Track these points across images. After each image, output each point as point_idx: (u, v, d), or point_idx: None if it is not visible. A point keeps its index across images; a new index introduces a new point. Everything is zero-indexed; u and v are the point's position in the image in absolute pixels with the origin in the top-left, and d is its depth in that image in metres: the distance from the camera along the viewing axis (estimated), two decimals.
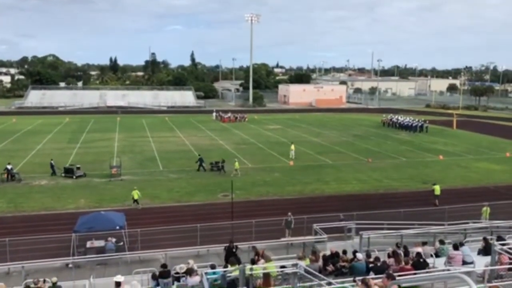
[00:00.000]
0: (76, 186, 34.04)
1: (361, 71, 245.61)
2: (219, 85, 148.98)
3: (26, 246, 20.84)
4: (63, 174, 36.75)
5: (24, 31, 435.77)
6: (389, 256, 15.21)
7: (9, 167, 35.71)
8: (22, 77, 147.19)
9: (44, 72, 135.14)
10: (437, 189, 30.78)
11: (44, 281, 14.46)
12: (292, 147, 46.41)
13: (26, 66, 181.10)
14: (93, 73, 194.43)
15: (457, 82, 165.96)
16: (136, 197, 29.46)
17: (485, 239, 16.70)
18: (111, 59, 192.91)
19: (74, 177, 36.38)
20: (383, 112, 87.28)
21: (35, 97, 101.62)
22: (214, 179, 36.54)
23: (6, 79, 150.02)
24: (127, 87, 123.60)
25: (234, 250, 18.21)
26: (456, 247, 15.18)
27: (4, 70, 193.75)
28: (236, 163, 38.53)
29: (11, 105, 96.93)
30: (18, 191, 32.72)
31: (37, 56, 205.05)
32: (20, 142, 53.66)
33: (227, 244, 19.21)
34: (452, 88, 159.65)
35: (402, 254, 15.25)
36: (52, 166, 37.42)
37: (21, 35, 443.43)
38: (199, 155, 41.17)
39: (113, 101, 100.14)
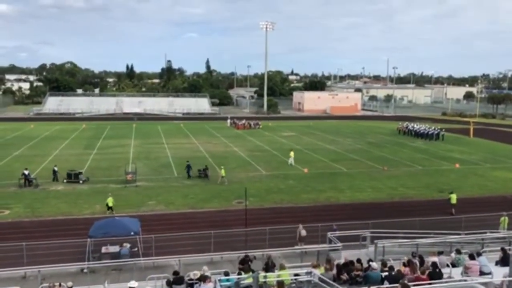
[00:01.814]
0: (91, 192, 34.38)
1: (377, 78, 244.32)
2: (234, 92, 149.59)
3: (42, 250, 21.09)
4: (65, 180, 37.10)
5: (43, 38, 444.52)
6: (404, 265, 15.03)
7: (26, 172, 36.21)
8: (40, 84, 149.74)
9: (62, 79, 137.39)
10: (454, 197, 30.38)
11: (60, 286, 14.60)
12: (291, 154, 46.43)
13: (44, 73, 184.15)
14: (109, 80, 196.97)
15: (474, 89, 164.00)
16: (110, 204, 29.31)
17: (503, 250, 16.41)
18: (127, 66, 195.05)
19: (81, 181, 36.83)
20: (398, 119, 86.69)
21: (53, 104, 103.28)
22: (228, 186, 36.57)
23: (25, 85, 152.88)
24: (143, 94, 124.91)
25: (250, 262, 18.06)
26: (473, 257, 14.94)
27: (23, 77, 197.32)
28: (223, 170, 38.39)
29: (30, 112, 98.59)
30: (35, 196, 33.16)
31: (56, 63, 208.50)
32: (37, 148, 54.46)
33: (243, 257, 18.91)
34: (469, 96, 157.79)
35: (418, 263, 15.05)
36: (54, 172, 37.83)
37: (40, 42, 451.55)
38: (187, 161, 41.10)
39: (129, 108, 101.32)
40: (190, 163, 40.07)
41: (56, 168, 38.23)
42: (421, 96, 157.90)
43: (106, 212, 28.99)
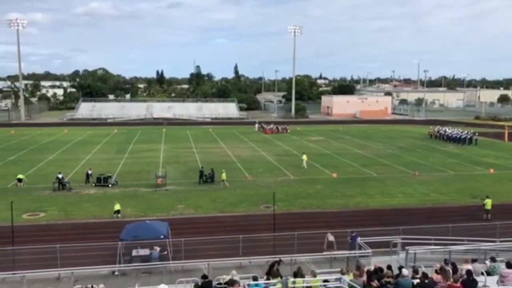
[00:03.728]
0: (123, 196, 34.96)
1: (407, 82, 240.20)
2: (261, 97, 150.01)
3: (75, 252, 21.63)
4: (94, 184, 37.86)
5: (76, 46, 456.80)
6: (436, 273, 14.68)
7: (60, 176, 37.17)
8: (73, 90, 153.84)
9: (94, 85, 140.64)
10: (489, 203, 29.48)
11: (92, 287, 14.90)
12: (304, 157, 46.51)
13: (77, 79, 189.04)
14: (140, 86, 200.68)
15: (508, 92, 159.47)
16: (117, 208, 29.85)
17: None
18: (157, 72, 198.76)
19: (110, 185, 37.53)
20: (430, 124, 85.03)
21: (86, 109, 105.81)
22: (257, 190, 36.61)
23: (59, 92, 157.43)
24: (173, 99, 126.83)
25: (278, 265, 17.94)
26: (509, 265, 14.45)
27: (57, 83, 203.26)
28: (223, 174, 38.42)
29: (63, 117, 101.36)
30: (68, 200, 33.99)
31: (88, 70, 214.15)
32: (70, 152, 55.85)
33: (271, 263, 18.80)
34: (503, 99, 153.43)
35: (451, 271, 14.67)
36: (87, 175, 38.85)
37: (74, 50, 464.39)
38: (202, 167, 41.19)
39: (159, 113, 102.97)
40: (203, 169, 40.06)
41: (90, 172, 39.22)
42: (453, 99, 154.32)
43: (114, 216, 29.69)
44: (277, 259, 17.90)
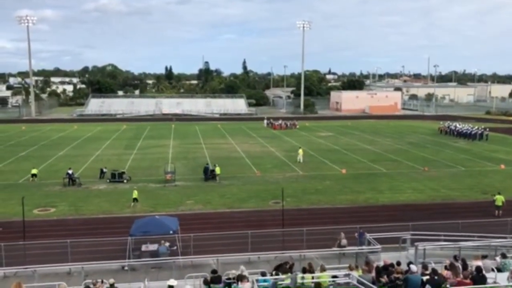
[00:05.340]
0: (132, 191, 35.10)
1: (417, 77, 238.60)
2: (270, 93, 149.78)
3: (85, 247, 21.83)
4: (108, 180, 38.08)
5: (86, 42, 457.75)
6: (446, 269, 14.60)
7: (70, 172, 37.47)
8: (83, 86, 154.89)
9: (104, 81, 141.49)
10: (499, 199, 29.22)
11: (102, 282, 15.00)
12: (300, 151, 47.30)
13: (87, 76, 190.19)
14: (149, 81, 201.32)
15: None
16: (134, 196, 31.12)
17: None
18: (166, 68, 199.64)
19: (125, 181, 37.80)
20: (440, 119, 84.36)
21: (95, 105, 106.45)
22: (265, 186, 36.63)
23: (69, 88, 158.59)
24: (182, 95, 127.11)
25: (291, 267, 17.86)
26: None
27: (67, 79, 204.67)
28: (217, 169, 38.63)
29: (73, 113, 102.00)
30: (78, 195, 34.25)
31: (97, 66, 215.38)
32: (80, 148, 56.25)
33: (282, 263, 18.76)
34: None
35: (460, 267, 14.58)
36: (101, 172, 39.25)
37: (83, 46, 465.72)
38: (207, 164, 41.34)
39: (168, 109, 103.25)
40: (209, 166, 40.20)
41: (105, 170, 39.45)
42: (464, 94, 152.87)
43: (131, 205, 30.94)
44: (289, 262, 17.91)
